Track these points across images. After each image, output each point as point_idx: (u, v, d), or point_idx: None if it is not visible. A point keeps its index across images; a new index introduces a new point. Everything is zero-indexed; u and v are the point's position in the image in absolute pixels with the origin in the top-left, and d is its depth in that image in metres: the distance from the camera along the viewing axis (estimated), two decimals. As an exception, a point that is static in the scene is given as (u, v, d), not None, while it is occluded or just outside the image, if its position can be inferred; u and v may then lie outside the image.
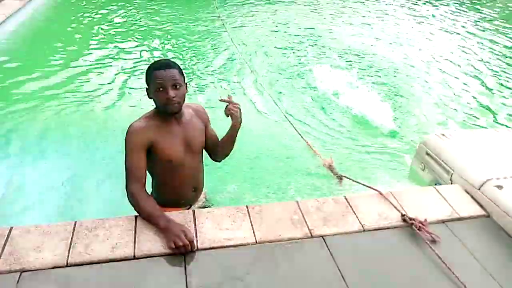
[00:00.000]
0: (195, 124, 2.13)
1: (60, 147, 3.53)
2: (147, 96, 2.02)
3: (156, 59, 2.25)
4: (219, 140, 2.25)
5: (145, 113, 2.05)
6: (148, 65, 2.01)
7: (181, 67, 1.99)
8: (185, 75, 2.04)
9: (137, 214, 1.94)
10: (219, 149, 2.27)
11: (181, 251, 1.78)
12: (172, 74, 1.91)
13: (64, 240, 1.81)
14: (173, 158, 2.03)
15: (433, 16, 8.18)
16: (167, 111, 1.95)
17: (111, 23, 6.70)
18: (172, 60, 2.05)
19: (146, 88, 2.00)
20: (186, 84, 2.03)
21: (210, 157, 2.34)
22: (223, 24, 6.73)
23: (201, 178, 2.29)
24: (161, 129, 1.99)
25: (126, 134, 1.94)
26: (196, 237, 1.87)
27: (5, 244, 1.77)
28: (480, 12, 8.43)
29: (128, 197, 1.92)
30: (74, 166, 3.29)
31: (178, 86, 1.92)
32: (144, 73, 2.01)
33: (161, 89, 1.90)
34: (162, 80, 1.89)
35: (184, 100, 2.00)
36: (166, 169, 2.06)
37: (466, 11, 8.50)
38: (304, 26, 7.14)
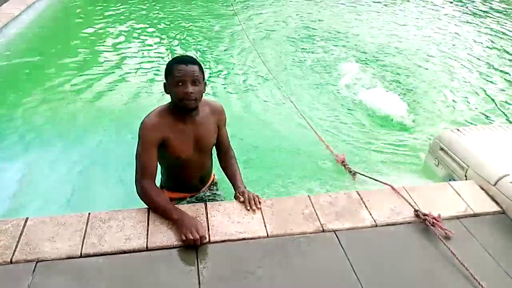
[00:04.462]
0: (208, 124, 2.12)
1: (73, 139, 3.56)
2: (164, 91, 2.01)
3: (175, 52, 2.25)
4: (228, 164, 2.29)
5: (160, 106, 2.04)
6: (169, 60, 1.99)
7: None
8: (205, 73, 2.02)
9: (149, 205, 1.96)
10: (220, 159, 2.34)
11: (191, 244, 1.79)
12: (193, 70, 1.89)
13: (78, 231, 1.84)
14: (182, 155, 2.06)
15: (451, 10, 8.03)
16: (183, 106, 1.93)
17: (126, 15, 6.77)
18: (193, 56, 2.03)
19: (164, 83, 1.99)
20: (205, 82, 2.02)
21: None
22: (239, 20, 6.73)
23: (209, 170, 2.35)
24: (174, 126, 1.99)
25: (140, 128, 1.95)
26: (208, 230, 1.88)
27: (21, 234, 1.81)
28: (506, 7, 8.22)
29: (138, 191, 1.95)
30: (87, 158, 3.33)
31: (197, 83, 1.90)
32: (159, 68, 2.01)
33: (180, 83, 1.88)
34: (183, 74, 1.87)
35: (201, 98, 1.98)
36: (174, 163, 2.12)
37: (491, 5, 8.30)
38: (320, 20, 7.09)
